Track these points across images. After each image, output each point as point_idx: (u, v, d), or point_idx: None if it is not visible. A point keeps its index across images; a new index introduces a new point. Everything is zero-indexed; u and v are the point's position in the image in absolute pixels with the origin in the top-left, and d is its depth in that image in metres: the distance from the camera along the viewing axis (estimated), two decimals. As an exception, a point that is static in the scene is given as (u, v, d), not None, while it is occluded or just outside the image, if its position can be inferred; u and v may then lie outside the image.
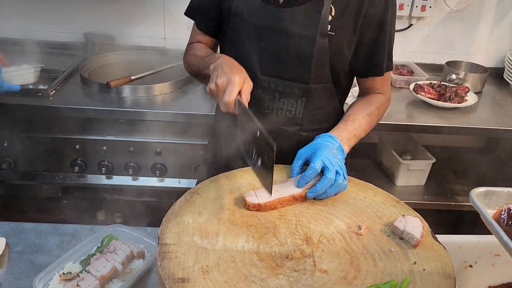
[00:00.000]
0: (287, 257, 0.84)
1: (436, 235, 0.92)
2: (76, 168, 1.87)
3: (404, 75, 2.25)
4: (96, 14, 2.30)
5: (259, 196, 0.97)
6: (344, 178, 1.02)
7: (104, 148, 1.85)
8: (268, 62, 1.19)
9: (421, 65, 2.38)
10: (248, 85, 1.04)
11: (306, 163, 1.07)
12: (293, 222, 0.94)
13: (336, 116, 1.29)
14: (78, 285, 0.93)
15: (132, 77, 1.90)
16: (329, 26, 1.13)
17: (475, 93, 2.11)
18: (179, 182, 1.94)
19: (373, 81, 1.27)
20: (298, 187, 1.01)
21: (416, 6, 2.29)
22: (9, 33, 2.33)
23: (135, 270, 1.01)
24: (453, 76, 2.18)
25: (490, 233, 1.25)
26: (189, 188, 1.02)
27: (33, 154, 1.87)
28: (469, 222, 2.21)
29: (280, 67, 1.18)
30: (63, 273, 0.97)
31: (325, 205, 1.00)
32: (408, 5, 2.30)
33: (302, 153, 1.08)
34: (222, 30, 1.26)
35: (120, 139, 1.86)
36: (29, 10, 2.31)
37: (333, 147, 1.08)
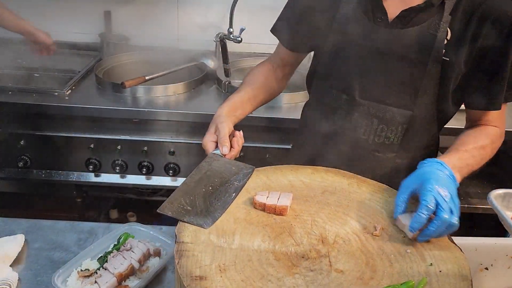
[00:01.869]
0: (303, 257, 0.85)
1: (452, 237, 0.92)
2: (91, 167, 1.90)
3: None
4: (111, 15, 2.33)
5: (271, 198, 0.96)
6: (458, 216, 0.87)
7: (118, 147, 1.87)
8: (369, 86, 1.12)
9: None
10: (221, 131, 1.07)
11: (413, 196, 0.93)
12: (308, 222, 0.94)
13: (434, 144, 1.24)
14: (96, 282, 0.94)
15: (147, 77, 1.92)
16: (444, 51, 1.04)
17: (489, 95, 2.09)
18: (192, 182, 1.95)
19: (486, 113, 1.13)
20: (412, 232, 0.87)
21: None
22: (26, 33, 2.36)
23: (151, 268, 1.02)
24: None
25: (506, 236, 1.25)
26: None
27: (49, 153, 1.90)
28: (483, 224, 2.19)
29: (383, 92, 1.11)
30: (81, 270, 0.99)
31: (340, 205, 1.00)
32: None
33: (409, 185, 0.92)
34: (315, 45, 1.21)
35: (134, 139, 1.88)
36: (46, 11, 2.34)
37: (443, 177, 0.92)
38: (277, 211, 0.95)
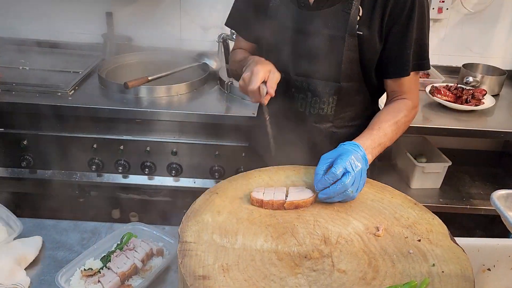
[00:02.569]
0: (305, 257, 0.85)
1: (455, 238, 0.92)
2: (94, 167, 1.90)
3: (420, 77, 2.24)
4: (114, 16, 2.34)
5: (267, 194, 0.98)
6: (356, 190, 1.00)
7: (121, 147, 1.88)
8: (300, 63, 1.24)
9: (438, 67, 2.37)
10: (274, 75, 1.12)
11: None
12: (311, 223, 0.95)
13: (368, 114, 1.31)
14: (99, 281, 0.95)
15: (150, 78, 1.92)
16: (357, 26, 1.16)
17: (492, 95, 2.10)
18: (194, 182, 1.96)
19: (399, 83, 1.24)
20: (316, 190, 1.00)
21: (433, 8, 2.28)
22: (29, 34, 2.38)
23: (154, 268, 1.02)
24: (470, 79, 2.16)
25: (509, 237, 1.24)
26: (204, 188, 1.04)
27: (52, 153, 1.91)
28: (484, 226, 2.19)
29: (312, 67, 1.23)
30: (84, 269, 0.99)
31: (343, 206, 1.00)
32: (424, 7, 2.29)
33: (327, 157, 1.05)
34: (258, 34, 1.32)
35: (136, 139, 1.88)
36: (49, 12, 2.36)
37: (357, 155, 1.04)
38: (275, 206, 0.97)
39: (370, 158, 1.10)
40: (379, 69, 1.24)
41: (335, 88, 1.24)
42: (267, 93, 1.11)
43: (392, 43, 1.18)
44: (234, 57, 1.40)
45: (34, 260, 1.07)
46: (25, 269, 1.04)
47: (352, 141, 1.11)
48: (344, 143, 1.10)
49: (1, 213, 1.15)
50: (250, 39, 1.39)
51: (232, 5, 1.39)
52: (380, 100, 1.39)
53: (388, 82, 1.26)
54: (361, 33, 1.16)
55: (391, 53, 1.20)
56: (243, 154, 1.88)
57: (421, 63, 1.22)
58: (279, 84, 1.16)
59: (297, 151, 1.24)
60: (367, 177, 1.07)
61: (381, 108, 1.32)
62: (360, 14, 1.16)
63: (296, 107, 1.30)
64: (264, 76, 1.10)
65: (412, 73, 1.22)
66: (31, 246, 1.08)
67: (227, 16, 1.40)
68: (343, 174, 0.99)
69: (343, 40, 1.17)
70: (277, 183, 1.06)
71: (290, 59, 1.25)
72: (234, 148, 1.88)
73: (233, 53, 1.44)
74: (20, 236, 1.10)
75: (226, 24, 1.41)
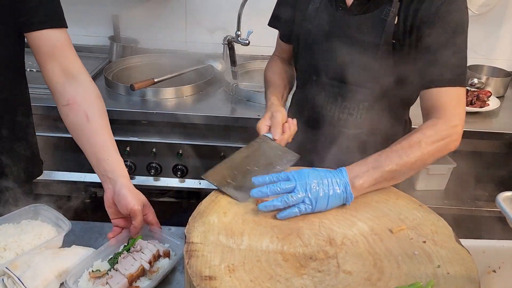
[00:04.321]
0: (311, 258, 0.86)
1: (460, 239, 0.92)
2: (100, 168, 1.92)
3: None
4: (121, 19, 2.36)
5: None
6: (305, 202, 0.93)
7: (127, 149, 1.89)
8: (332, 66, 1.24)
9: (442, 69, 2.36)
10: (275, 120, 1.15)
11: None
12: (316, 224, 0.95)
13: (399, 122, 1.30)
14: (107, 283, 0.96)
15: (155, 80, 1.94)
16: (393, 34, 1.14)
17: (497, 97, 2.10)
18: (200, 184, 1.97)
19: (432, 98, 1.10)
20: (252, 196, 0.95)
21: (438, 10, 2.28)
22: (36, 36, 2.40)
23: (161, 269, 1.03)
24: (475, 80, 2.16)
25: (514, 238, 1.24)
26: (209, 189, 1.04)
27: (60, 155, 1.93)
28: (489, 227, 2.18)
29: (343, 72, 1.22)
30: (92, 271, 1.00)
31: (348, 207, 1.01)
32: (429, 9, 2.29)
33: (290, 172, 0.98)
34: (295, 35, 1.33)
35: (142, 140, 1.90)
36: (56, 14, 2.38)
37: (326, 178, 0.96)
38: None
39: (360, 182, 0.98)
40: (414, 80, 1.17)
41: (366, 95, 1.22)
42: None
43: (426, 52, 1.11)
44: (269, 73, 1.42)
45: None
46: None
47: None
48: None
49: (49, 215, 1.16)
50: (288, 40, 1.40)
51: (274, 6, 1.41)
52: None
53: (422, 98, 1.15)
54: (394, 41, 1.14)
55: (426, 63, 1.11)
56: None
57: (456, 78, 1.09)
58: (309, 86, 1.20)
59: (320, 154, 1.23)
60: None
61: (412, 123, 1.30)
62: (396, 22, 1.13)
63: (325, 110, 1.29)
64: (261, 129, 1.15)
65: (448, 89, 1.09)
66: (78, 259, 1.03)
67: (270, 16, 1.42)
68: (294, 189, 0.93)
69: (378, 47, 1.15)
70: (283, 184, 1.07)
71: (323, 62, 1.25)
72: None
73: (270, 66, 1.46)
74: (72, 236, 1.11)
75: (269, 24, 1.42)
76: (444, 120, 1.06)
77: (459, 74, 1.10)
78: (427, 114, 1.12)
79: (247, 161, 1.05)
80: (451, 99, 1.08)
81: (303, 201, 0.94)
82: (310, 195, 0.94)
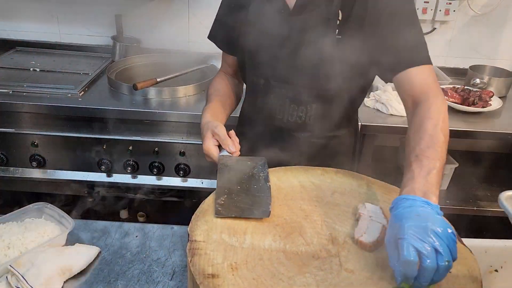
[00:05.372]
0: (313, 257, 0.86)
1: (462, 239, 0.93)
2: (103, 167, 1.93)
3: (427, 79, 2.24)
4: (123, 18, 2.37)
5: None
6: (450, 259, 0.74)
7: (130, 148, 1.90)
8: (279, 69, 1.20)
9: (444, 69, 2.37)
10: (219, 132, 1.10)
11: None
12: (318, 223, 0.96)
13: (349, 124, 1.29)
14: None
15: (158, 79, 1.94)
16: (337, 30, 1.11)
17: (499, 97, 2.09)
18: (202, 183, 1.97)
19: (411, 80, 1.06)
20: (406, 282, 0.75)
21: (440, 10, 2.28)
22: (39, 36, 2.42)
23: (163, 266, 1.03)
24: (477, 81, 2.16)
25: (516, 238, 1.24)
26: (212, 189, 1.05)
27: (62, 153, 1.93)
28: (491, 227, 2.18)
29: (291, 74, 1.19)
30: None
31: (350, 206, 1.01)
32: (431, 9, 2.29)
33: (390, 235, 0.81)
34: (239, 43, 1.28)
35: (145, 140, 1.90)
36: (59, 15, 2.39)
37: (417, 213, 0.79)
38: None
39: (434, 199, 0.83)
40: (364, 73, 1.17)
41: (314, 96, 1.19)
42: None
43: (381, 41, 1.09)
44: (209, 88, 1.38)
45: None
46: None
47: (402, 195, 0.85)
48: (396, 200, 0.84)
49: (53, 213, 1.16)
50: (233, 52, 1.35)
51: (214, 18, 1.36)
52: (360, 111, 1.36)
53: (398, 85, 1.11)
54: (340, 37, 1.11)
55: (385, 51, 1.09)
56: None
57: (420, 57, 1.08)
58: (259, 92, 1.16)
59: (274, 159, 1.17)
60: (373, 178, 1.07)
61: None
62: (340, 18, 1.11)
63: (274, 114, 1.25)
64: (207, 151, 1.11)
65: (423, 67, 1.07)
66: (82, 257, 1.04)
67: (210, 30, 1.37)
68: (421, 255, 0.73)
69: (322, 46, 1.12)
70: (285, 183, 1.07)
71: (269, 65, 1.21)
72: (241, 149, 1.89)
73: (213, 80, 1.42)
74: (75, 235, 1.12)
75: (209, 38, 1.37)
76: (434, 98, 1.04)
77: (424, 51, 1.09)
78: (412, 95, 1.07)
79: (233, 184, 1.02)
80: (429, 76, 1.07)
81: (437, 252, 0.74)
82: (435, 246, 0.74)
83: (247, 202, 0.96)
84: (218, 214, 0.93)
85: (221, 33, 1.34)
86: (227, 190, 0.99)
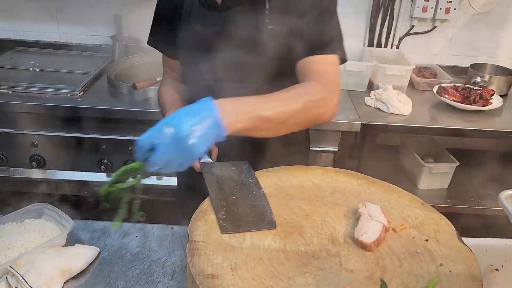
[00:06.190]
0: (313, 256, 0.86)
1: (462, 238, 0.92)
2: (103, 167, 1.93)
3: (428, 78, 2.24)
4: (123, 18, 2.36)
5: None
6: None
7: (130, 148, 1.90)
8: (217, 67, 1.17)
9: (445, 68, 2.36)
10: None
11: None
12: (318, 222, 0.95)
13: None
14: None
15: (158, 79, 1.94)
16: (267, 20, 1.10)
17: (500, 96, 2.09)
18: (202, 182, 1.97)
19: (307, 66, 1.08)
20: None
21: (440, 8, 2.28)
22: (39, 36, 2.41)
23: (163, 267, 1.03)
24: (478, 79, 2.16)
25: (517, 237, 1.24)
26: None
27: (62, 154, 1.94)
28: (492, 226, 2.18)
29: (229, 71, 1.16)
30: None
31: (350, 206, 1.01)
32: (432, 7, 2.29)
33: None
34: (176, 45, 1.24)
35: (145, 139, 1.90)
36: (59, 15, 2.39)
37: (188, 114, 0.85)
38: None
39: (231, 121, 0.89)
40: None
41: (255, 91, 1.12)
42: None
43: (303, 28, 1.08)
44: (160, 96, 1.31)
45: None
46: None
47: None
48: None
49: (52, 214, 1.16)
50: (174, 55, 1.30)
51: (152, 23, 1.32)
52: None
53: (298, 68, 1.11)
54: (271, 27, 1.09)
55: (298, 37, 1.09)
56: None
57: (331, 45, 1.09)
58: (200, 91, 1.10)
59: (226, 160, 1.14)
60: (373, 178, 1.07)
61: None
62: (267, 7, 1.09)
63: None
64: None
65: (323, 56, 1.08)
66: (82, 257, 1.04)
67: (148, 35, 1.33)
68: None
69: (253, 38, 1.09)
70: (285, 183, 1.07)
71: (207, 65, 1.18)
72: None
73: (161, 88, 1.35)
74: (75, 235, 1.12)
75: (148, 43, 1.33)
76: (323, 83, 1.04)
77: (331, 42, 1.09)
78: (309, 79, 1.07)
79: (226, 194, 1.00)
80: (327, 66, 1.08)
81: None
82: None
83: (248, 213, 0.95)
84: (225, 231, 0.90)
85: (160, 37, 1.29)
86: (224, 202, 0.97)
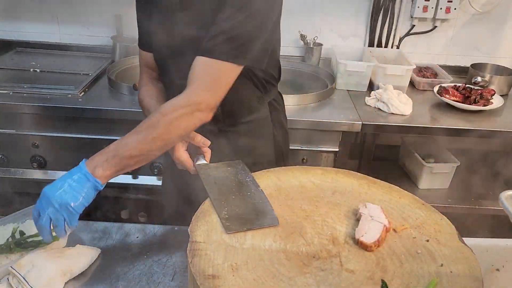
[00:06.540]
0: (314, 257, 0.86)
1: (463, 238, 0.92)
2: (103, 167, 1.92)
3: (428, 78, 2.24)
4: (123, 19, 2.36)
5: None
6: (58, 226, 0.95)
7: (131, 148, 1.90)
8: (170, 63, 1.19)
9: (445, 68, 2.36)
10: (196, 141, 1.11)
11: None
12: (319, 223, 0.95)
13: (261, 107, 1.26)
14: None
15: (158, 79, 1.94)
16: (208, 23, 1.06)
17: (501, 95, 2.09)
18: (203, 183, 1.97)
19: (193, 64, 1.05)
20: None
21: (441, 8, 2.28)
22: (39, 37, 2.42)
23: (164, 267, 1.03)
24: (478, 79, 2.15)
25: (517, 237, 1.24)
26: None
27: (63, 154, 1.93)
28: (493, 226, 2.18)
29: (178, 67, 1.15)
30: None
31: (351, 206, 1.01)
32: (432, 7, 2.29)
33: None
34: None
35: (146, 140, 1.90)
36: (59, 15, 2.39)
37: (65, 180, 0.97)
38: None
39: (101, 172, 0.99)
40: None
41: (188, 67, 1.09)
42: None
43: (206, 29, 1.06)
44: (143, 99, 1.27)
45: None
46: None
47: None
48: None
49: None
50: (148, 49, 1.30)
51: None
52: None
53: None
54: (189, 18, 1.09)
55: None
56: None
57: (215, 49, 1.03)
58: (170, 91, 1.14)
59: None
60: (374, 178, 1.07)
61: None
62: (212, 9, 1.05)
63: None
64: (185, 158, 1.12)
65: (201, 58, 1.04)
66: (83, 258, 1.04)
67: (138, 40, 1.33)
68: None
69: (198, 38, 1.06)
70: (286, 183, 1.07)
71: (165, 63, 1.20)
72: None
73: (142, 89, 1.31)
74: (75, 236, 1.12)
75: (139, 46, 1.33)
76: (188, 91, 1.04)
77: (218, 45, 1.03)
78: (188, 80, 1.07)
79: (225, 195, 1.00)
80: (200, 69, 1.05)
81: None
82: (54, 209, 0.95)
83: (250, 212, 0.95)
84: (230, 230, 0.90)
85: (144, 38, 1.29)
86: (224, 203, 0.98)
